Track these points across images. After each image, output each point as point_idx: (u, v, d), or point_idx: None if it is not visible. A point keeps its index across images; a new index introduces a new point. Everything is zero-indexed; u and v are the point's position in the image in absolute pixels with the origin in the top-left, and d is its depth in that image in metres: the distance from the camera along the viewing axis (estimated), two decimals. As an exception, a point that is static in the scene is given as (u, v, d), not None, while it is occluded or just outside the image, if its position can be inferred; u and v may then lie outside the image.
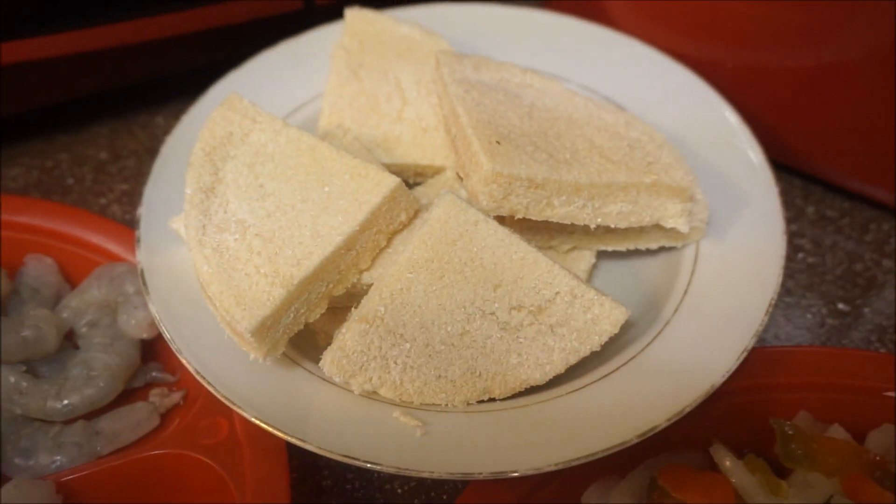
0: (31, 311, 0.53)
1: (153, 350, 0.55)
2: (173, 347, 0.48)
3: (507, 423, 0.47)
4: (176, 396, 0.53)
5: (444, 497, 0.51)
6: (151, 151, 0.69)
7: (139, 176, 0.68)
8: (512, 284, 0.50)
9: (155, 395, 0.53)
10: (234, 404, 0.46)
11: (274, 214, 0.50)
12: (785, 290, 0.63)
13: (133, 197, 0.66)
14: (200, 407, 0.51)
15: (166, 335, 0.49)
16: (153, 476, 0.49)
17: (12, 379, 0.50)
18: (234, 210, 0.50)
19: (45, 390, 0.51)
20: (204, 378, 0.47)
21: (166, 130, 0.58)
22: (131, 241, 0.57)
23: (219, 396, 0.46)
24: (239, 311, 0.46)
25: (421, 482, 0.52)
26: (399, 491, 0.51)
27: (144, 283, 0.51)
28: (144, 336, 0.54)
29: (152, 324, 0.53)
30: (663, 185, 0.53)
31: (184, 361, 0.48)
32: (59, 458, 0.49)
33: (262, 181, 0.51)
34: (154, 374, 0.54)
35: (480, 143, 0.51)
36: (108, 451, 0.50)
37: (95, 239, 0.58)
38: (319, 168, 0.51)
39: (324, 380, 0.48)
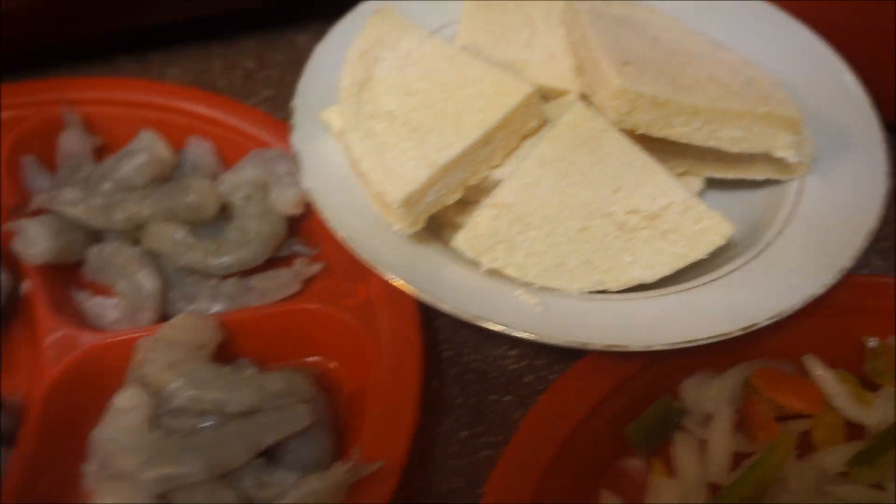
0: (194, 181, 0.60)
1: (297, 228, 0.61)
2: (323, 216, 0.54)
3: (619, 309, 0.52)
4: (316, 267, 0.59)
5: (552, 377, 0.56)
6: (293, 64, 0.75)
7: (282, 84, 0.75)
8: (631, 190, 0.54)
9: (298, 264, 0.59)
10: (377, 267, 0.51)
11: (419, 109, 0.56)
12: (881, 235, 0.66)
13: (277, 101, 0.73)
14: (339, 276, 0.57)
15: (317, 206, 0.55)
16: (298, 326, 0.55)
17: (179, 235, 0.57)
18: (384, 103, 0.56)
19: (206, 247, 0.57)
20: (350, 244, 0.53)
21: (307, 48, 0.64)
22: (280, 131, 0.63)
23: (362, 260, 0.52)
24: (389, 184, 0.52)
25: (531, 362, 0.57)
26: (511, 367, 0.57)
27: (299, 164, 0.57)
28: (292, 212, 0.60)
29: (300, 202, 0.60)
30: (776, 115, 0.57)
31: (332, 229, 0.54)
32: (216, 305, 0.56)
33: (409, 81, 0.57)
34: (297, 247, 0.60)
35: (609, 62, 0.56)
36: (258, 303, 0.57)
37: (249, 128, 0.64)
38: (460, 73, 0.57)
39: (454, 256, 0.54)
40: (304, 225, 0.62)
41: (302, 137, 0.59)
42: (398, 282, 0.51)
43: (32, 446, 0.49)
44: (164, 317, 0.56)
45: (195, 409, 0.48)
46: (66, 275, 0.58)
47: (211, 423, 0.49)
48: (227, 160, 0.65)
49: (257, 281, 0.58)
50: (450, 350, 0.58)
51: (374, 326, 0.53)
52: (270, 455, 0.49)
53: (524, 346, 0.58)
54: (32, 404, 0.50)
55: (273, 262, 0.60)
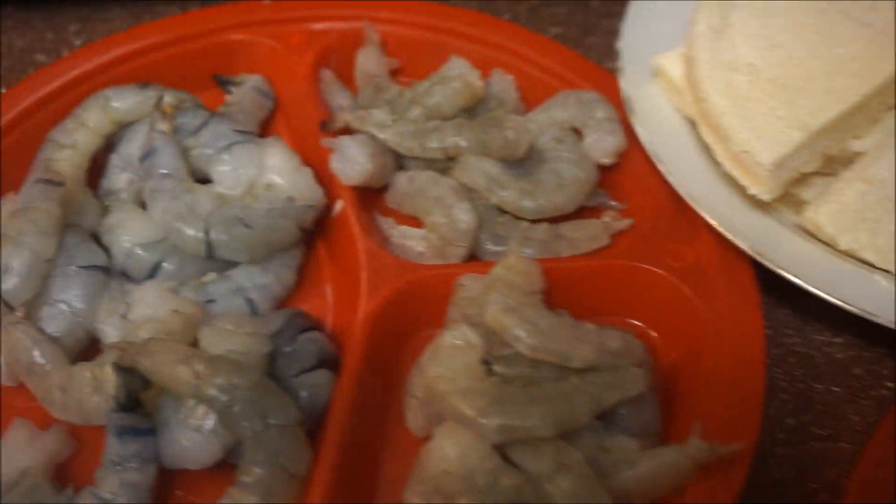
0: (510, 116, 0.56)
1: (602, 178, 0.57)
2: (662, 170, 0.50)
3: None
4: (626, 222, 0.55)
5: (885, 372, 0.51)
6: (580, 2, 0.71)
7: (569, 23, 0.70)
8: None
9: (607, 216, 0.55)
10: (721, 228, 0.47)
11: (785, 65, 0.51)
12: None
13: (565, 40, 0.68)
14: (660, 235, 0.53)
15: (654, 158, 0.51)
16: (617, 284, 0.52)
17: (495, 171, 0.54)
18: (744, 54, 0.51)
19: (521, 187, 0.54)
20: (692, 201, 0.49)
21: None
22: (587, 72, 0.60)
23: (707, 218, 0.48)
24: (759, 145, 0.47)
25: (860, 353, 0.52)
26: (838, 356, 0.52)
27: (631, 110, 0.53)
28: (606, 161, 0.56)
29: (616, 151, 0.56)
30: None
31: (670, 181, 0.50)
32: (527, 250, 0.53)
33: (771, 32, 0.52)
34: (602, 199, 0.57)
35: None
36: (567, 253, 0.53)
37: (555, 66, 0.61)
38: (831, 31, 0.52)
39: (794, 228, 0.49)
40: (609, 176, 0.58)
41: (631, 82, 0.55)
42: (744, 246, 0.47)
43: (355, 376, 0.47)
44: (471, 256, 0.54)
45: (534, 358, 0.46)
46: (370, 199, 0.56)
47: (546, 376, 0.46)
48: (526, 97, 0.61)
49: (567, 229, 0.54)
50: (769, 329, 0.53)
51: (708, 294, 0.49)
52: (602, 419, 0.46)
53: (852, 335, 0.53)
54: (353, 332, 0.49)
55: (580, 211, 0.56)
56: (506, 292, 0.47)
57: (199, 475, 0.45)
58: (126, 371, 0.43)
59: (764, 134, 0.48)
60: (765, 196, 0.49)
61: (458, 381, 0.45)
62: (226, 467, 0.45)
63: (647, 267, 0.51)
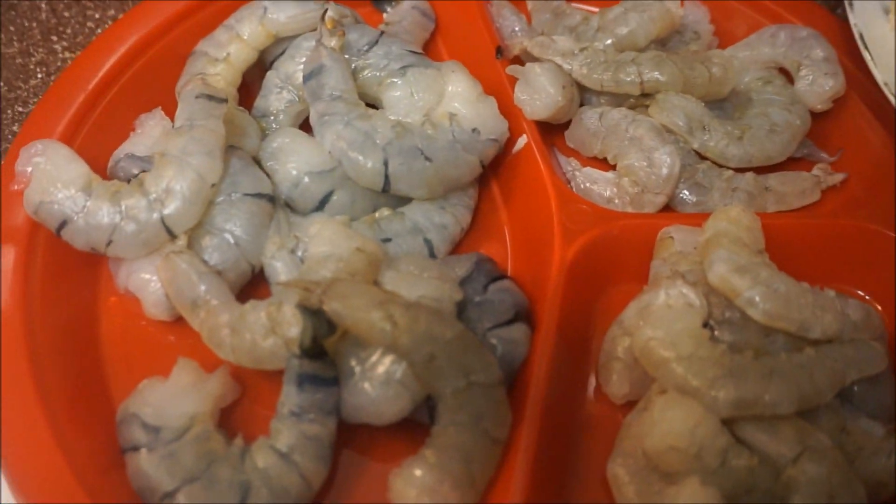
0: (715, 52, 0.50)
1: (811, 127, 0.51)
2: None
3: None
4: (839, 177, 0.49)
5: None
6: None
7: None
8: None
9: (818, 169, 0.49)
10: None
11: None
12: None
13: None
14: (882, 192, 0.47)
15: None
16: (832, 245, 0.46)
17: (698, 111, 0.49)
18: None
19: (727, 131, 0.48)
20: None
21: None
22: (798, 5, 0.53)
23: None
24: None
25: None
26: None
27: (866, 49, 0.47)
28: (820, 107, 0.50)
29: (833, 96, 0.50)
30: None
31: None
32: (729, 203, 0.47)
33: None
34: (809, 149, 0.51)
35: None
36: (774, 209, 0.48)
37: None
38: None
39: None
40: (817, 124, 0.51)
41: (864, 19, 0.48)
42: None
43: (554, 332, 0.42)
44: (664, 206, 0.48)
45: (767, 326, 0.40)
46: (547, 137, 0.50)
47: (779, 346, 0.40)
48: (719, 32, 0.55)
49: (775, 181, 0.48)
50: None
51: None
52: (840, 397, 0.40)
53: None
54: (547, 282, 0.43)
55: (785, 163, 0.50)
56: (734, 250, 0.41)
57: (378, 432, 0.41)
58: (312, 313, 0.38)
59: None
60: None
61: (681, 347, 0.39)
62: (406, 427, 0.40)
63: (878, 229, 0.45)
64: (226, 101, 0.45)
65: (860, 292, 0.46)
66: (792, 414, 0.38)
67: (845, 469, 0.37)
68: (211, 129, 0.44)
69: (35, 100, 0.54)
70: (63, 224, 0.42)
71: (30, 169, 0.43)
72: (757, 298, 0.40)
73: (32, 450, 0.37)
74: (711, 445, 0.38)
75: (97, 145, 0.47)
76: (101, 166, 0.46)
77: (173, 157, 0.43)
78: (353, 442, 0.41)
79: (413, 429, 0.40)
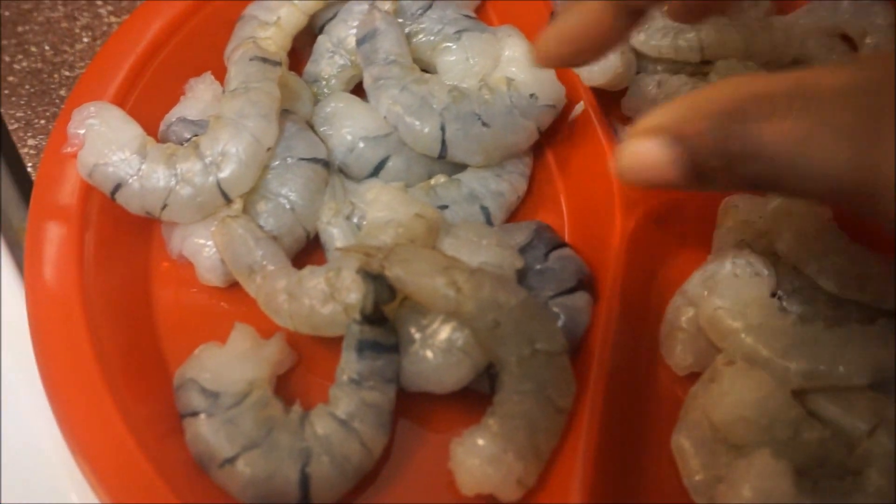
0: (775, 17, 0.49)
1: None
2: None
3: None
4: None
5: None
6: None
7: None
8: None
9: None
10: None
11: None
12: None
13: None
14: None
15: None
16: None
17: (762, 79, 0.47)
18: None
19: None
20: None
21: None
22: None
23: None
24: None
25: None
26: None
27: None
28: None
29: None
30: None
31: None
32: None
33: None
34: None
35: None
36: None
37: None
38: None
39: None
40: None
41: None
42: None
43: (617, 301, 0.41)
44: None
45: (837, 297, 0.39)
46: (604, 105, 0.49)
47: (850, 316, 0.39)
48: (778, -1, 0.53)
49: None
50: None
51: None
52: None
53: None
54: (609, 251, 0.42)
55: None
56: (801, 217, 0.40)
57: (436, 402, 0.40)
58: (374, 278, 0.38)
59: None
60: None
61: (750, 317, 0.39)
62: (466, 396, 0.40)
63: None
64: (280, 63, 0.45)
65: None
66: (866, 385, 0.37)
67: (923, 442, 0.36)
68: (266, 92, 0.43)
69: (82, 64, 0.54)
70: (118, 187, 0.42)
71: (83, 131, 0.42)
72: (826, 266, 0.39)
73: (93, 415, 0.37)
74: (783, 417, 0.37)
75: (148, 109, 0.46)
76: (152, 130, 0.46)
77: (229, 120, 0.42)
78: (412, 411, 0.41)
79: (473, 398, 0.40)
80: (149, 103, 0.47)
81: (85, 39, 0.55)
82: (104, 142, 0.42)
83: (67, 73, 0.53)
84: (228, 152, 0.42)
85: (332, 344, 0.40)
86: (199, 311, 0.44)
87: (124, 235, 0.44)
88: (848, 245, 0.40)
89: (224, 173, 0.42)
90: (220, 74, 0.47)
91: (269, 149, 0.43)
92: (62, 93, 0.52)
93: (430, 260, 0.38)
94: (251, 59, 0.44)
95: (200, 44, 0.50)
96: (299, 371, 0.43)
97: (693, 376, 0.41)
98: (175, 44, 0.49)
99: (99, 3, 0.56)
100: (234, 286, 0.43)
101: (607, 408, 0.38)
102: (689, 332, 0.41)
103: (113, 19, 0.55)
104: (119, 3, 0.56)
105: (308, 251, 0.45)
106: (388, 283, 0.38)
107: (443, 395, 0.40)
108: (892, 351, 0.37)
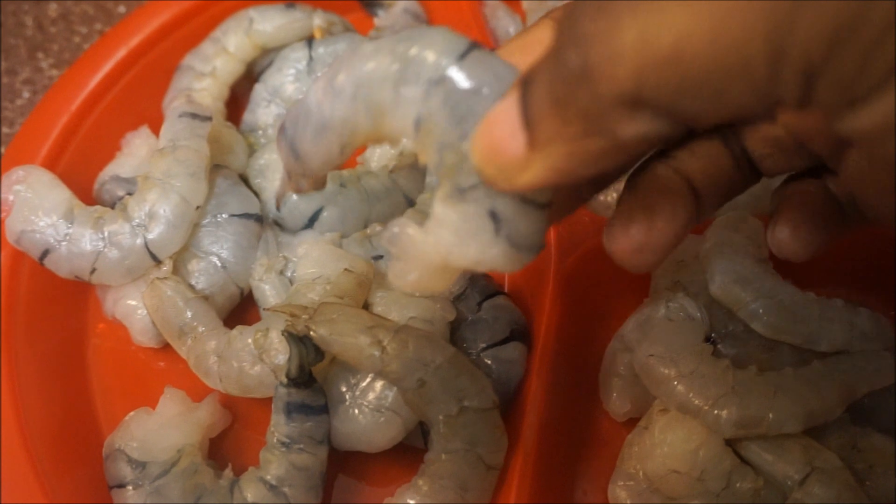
0: None
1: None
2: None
3: None
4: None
5: None
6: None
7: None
8: None
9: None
10: None
11: None
12: None
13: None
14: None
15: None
16: (836, 248, 0.43)
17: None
18: None
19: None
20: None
21: None
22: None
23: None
24: None
25: None
26: None
27: None
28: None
29: None
30: None
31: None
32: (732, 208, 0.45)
33: None
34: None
35: None
36: (781, 214, 0.46)
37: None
38: None
39: None
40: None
41: None
42: None
43: (550, 350, 0.40)
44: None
45: (771, 339, 0.38)
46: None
47: (784, 359, 0.39)
48: None
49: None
50: None
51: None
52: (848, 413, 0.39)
53: None
54: (542, 297, 0.42)
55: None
56: (734, 258, 0.40)
57: (373, 457, 0.40)
58: (299, 340, 0.37)
59: None
60: None
61: (682, 364, 0.38)
62: (401, 451, 0.39)
63: (888, 233, 0.43)
64: (210, 118, 0.44)
65: (869, 300, 0.44)
66: (799, 432, 0.36)
67: (855, 491, 0.35)
68: (195, 150, 0.43)
69: (21, 120, 0.54)
70: (46, 252, 0.41)
71: (11, 197, 0.42)
72: (760, 311, 0.38)
73: (12, 488, 0.36)
74: (715, 468, 0.36)
75: (84, 166, 0.46)
76: (87, 188, 0.45)
77: (156, 181, 0.42)
78: (347, 467, 0.41)
79: (408, 453, 0.39)
80: (84, 160, 0.47)
81: (26, 94, 0.55)
82: (30, 208, 0.41)
83: (7, 131, 0.53)
84: (156, 213, 0.41)
85: (269, 401, 0.40)
86: (136, 371, 0.44)
87: (61, 297, 0.44)
88: (781, 286, 0.39)
89: (152, 235, 0.41)
90: (160, 125, 0.47)
91: (197, 207, 0.42)
92: (2, 150, 0.52)
93: (355, 319, 0.37)
94: (180, 116, 0.44)
95: (140, 95, 0.50)
96: (236, 429, 0.42)
97: (634, 421, 0.41)
98: (113, 96, 0.49)
99: (40, 56, 0.56)
100: (170, 346, 0.43)
101: (541, 461, 0.38)
102: (627, 377, 0.41)
103: (54, 72, 0.55)
104: (60, 56, 0.56)
105: (244, 307, 0.44)
106: (314, 343, 0.37)
107: (379, 452, 0.39)
108: (824, 396, 0.37)
